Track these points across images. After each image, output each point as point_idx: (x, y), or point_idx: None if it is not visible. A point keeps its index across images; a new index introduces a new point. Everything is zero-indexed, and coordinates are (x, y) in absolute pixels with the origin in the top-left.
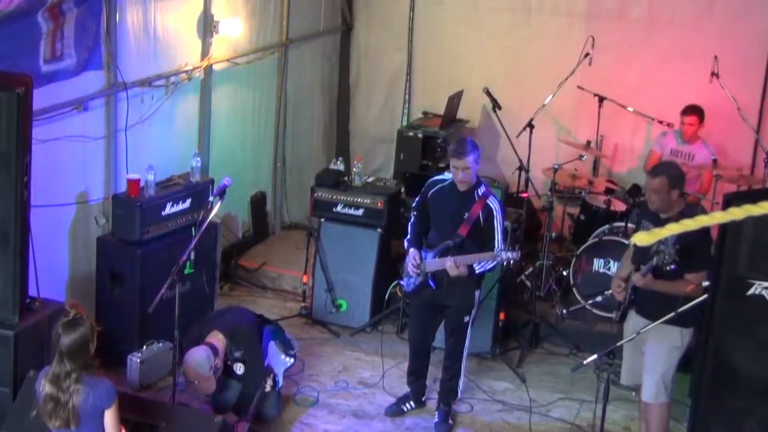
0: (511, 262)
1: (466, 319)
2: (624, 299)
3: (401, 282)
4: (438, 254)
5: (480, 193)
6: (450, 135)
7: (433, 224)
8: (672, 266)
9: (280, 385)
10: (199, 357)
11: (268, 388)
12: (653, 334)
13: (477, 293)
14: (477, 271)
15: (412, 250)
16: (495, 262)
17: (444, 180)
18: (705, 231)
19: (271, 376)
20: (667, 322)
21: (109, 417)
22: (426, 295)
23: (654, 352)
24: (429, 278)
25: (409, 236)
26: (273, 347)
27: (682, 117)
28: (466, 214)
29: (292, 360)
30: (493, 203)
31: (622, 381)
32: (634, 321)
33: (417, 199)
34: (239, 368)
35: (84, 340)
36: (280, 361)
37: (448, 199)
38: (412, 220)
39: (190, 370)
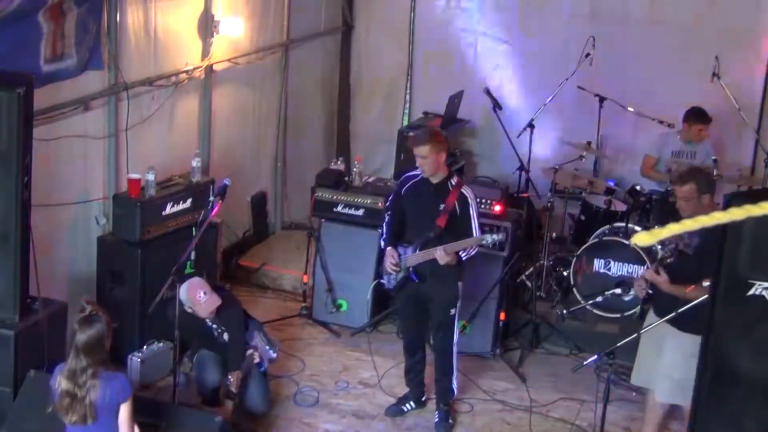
0: (497, 244)
1: (452, 312)
2: (644, 297)
3: (382, 281)
4: (419, 247)
5: (453, 183)
6: (450, 135)
7: (409, 220)
8: (671, 259)
9: (265, 366)
10: (195, 278)
11: (257, 359)
12: (672, 340)
13: (460, 285)
14: (463, 258)
15: (389, 248)
16: (483, 244)
17: (416, 175)
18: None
19: (258, 350)
20: (685, 329)
21: (124, 411)
22: (411, 291)
23: (671, 357)
24: (411, 272)
25: (384, 236)
26: (256, 335)
27: (691, 124)
28: (442, 206)
29: (275, 355)
30: (467, 192)
31: (633, 381)
32: (650, 321)
33: (391, 197)
34: (225, 336)
35: (100, 336)
36: (263, 348)
37: (422, 192)
38: (387, 220)
39: (195, 283)
